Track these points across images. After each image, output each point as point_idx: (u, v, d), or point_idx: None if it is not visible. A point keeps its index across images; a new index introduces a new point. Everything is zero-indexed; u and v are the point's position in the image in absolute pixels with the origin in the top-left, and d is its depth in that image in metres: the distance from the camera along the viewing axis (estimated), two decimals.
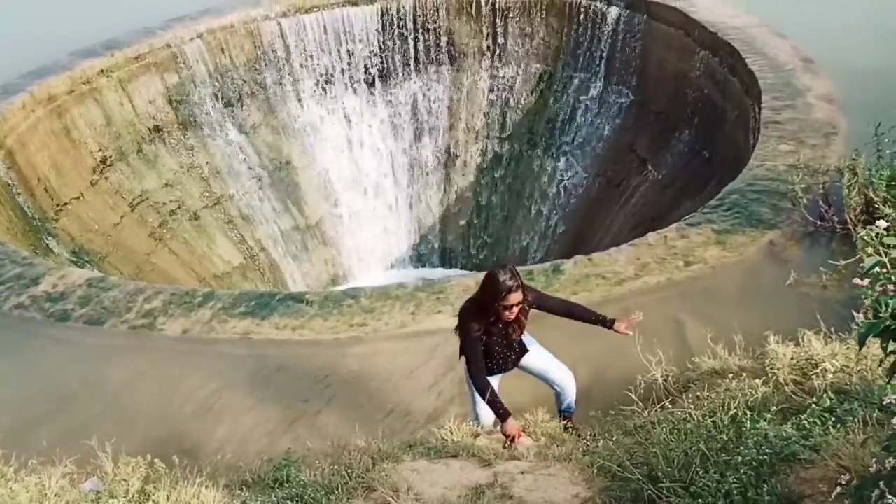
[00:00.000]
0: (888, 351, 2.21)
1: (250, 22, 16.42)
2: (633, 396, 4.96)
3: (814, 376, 4.44)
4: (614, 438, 4.34)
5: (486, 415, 4.89)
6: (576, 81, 17.16)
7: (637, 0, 15.77)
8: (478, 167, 18.07)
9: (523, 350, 4.98)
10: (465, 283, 7.78)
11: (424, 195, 18.31)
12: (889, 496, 1.87)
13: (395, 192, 18.32)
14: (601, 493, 3.74)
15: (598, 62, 16.71)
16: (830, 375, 4.26)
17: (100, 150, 14.06)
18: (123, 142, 14.53)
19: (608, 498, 3.67)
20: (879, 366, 2.15)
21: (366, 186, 18.07)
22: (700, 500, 3.20)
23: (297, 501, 3.88)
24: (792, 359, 4.70)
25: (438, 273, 16.48)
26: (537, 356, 5.09)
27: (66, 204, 12.94)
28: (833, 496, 2.35)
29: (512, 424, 4.51)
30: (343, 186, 17.78)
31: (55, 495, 4.29)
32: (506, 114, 17.87)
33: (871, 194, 7.39)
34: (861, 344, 2.21)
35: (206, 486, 4.10)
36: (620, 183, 15.67)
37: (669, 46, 15.05)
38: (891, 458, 1.97)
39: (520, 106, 17.77)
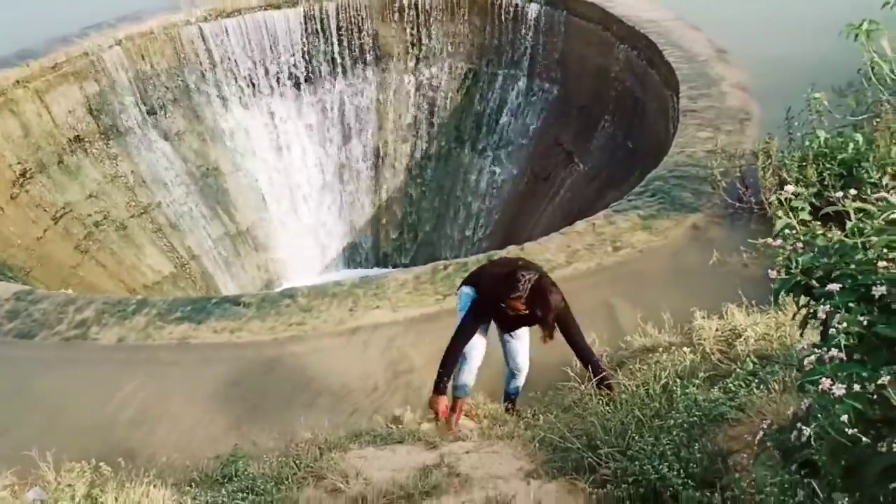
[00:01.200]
0: (800, 305, 2.40)
1: (170, 27, 16.15)
2: (571, 373, 5.12)
3: (737, 344, 4.70)
4: (554, 414, 4.50)
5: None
6: (500, 78, 17.43)
7: None
8: (407, 167, 18.18)
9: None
10: (401, 278, 7.89)
11: (355, 196, 18.33)
12: (804, 428, 2.05)
13: (325, 195, 18.27)
14: (544, 465, 3.89)
15: (521, 59, 17.02)
16: (753, 343, 4.52)
17: (19, 162, 13.66)
18: (43, 153, 14.14)
19: (550, 469, 3.82)
20: (793, 318, 2.33)
21: (295, 190, 17.98)
22: (636, 463, 3.37)
23: (247, 493, 3.93)
24: (717, 330, 4.96)
25: (374, 273, 16.56)
26: (522, 337, 5.25)
27: None
28: (756, 441, 2.53)
29: (438, 399, 4.74)
30: (272, 191, 17.66)
31: None
32: (433, 113, 18.04)
33: (784, 175, 7.76)
34: (776, 299, 2.40)
35: (154, 486, 4.10)
36: (548, 177, 15.98)
37: (589, 41, 15.43)
38: (805, 399, 2.15)
39: (447, 104, 17.96)
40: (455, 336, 4.82)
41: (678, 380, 4.13)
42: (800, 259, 2.33)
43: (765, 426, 2.39)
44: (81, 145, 14.92)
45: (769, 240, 2.42)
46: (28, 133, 13.91)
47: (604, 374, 4.67)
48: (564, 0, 15.97)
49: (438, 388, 4.73)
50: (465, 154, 17.71)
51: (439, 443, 4.41)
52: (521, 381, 5.43)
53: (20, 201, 13.50)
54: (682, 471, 3.23)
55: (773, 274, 2.38)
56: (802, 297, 2.37)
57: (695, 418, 3.53)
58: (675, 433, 3.50)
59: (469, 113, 17.75)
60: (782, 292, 2.35)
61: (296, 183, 17.89)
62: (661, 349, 5.18)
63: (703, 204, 8.56)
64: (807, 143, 7.89)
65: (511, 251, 8.23)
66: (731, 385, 3.83)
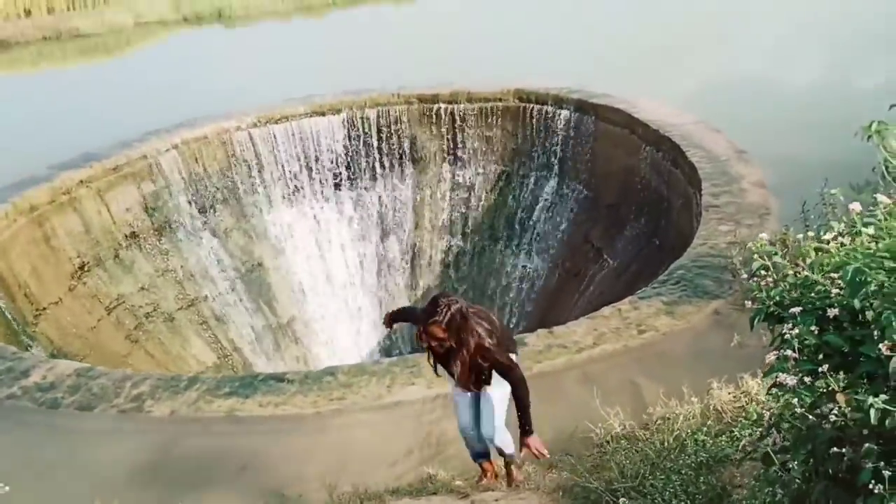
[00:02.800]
0: (774, 333, 2.86)
1: (223, 133, 17.30)
2: (594, 438, 5.49)
3: (749, 407, 5.06)
4: (575, 464, 4.86)
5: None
6: (532, 179, 18.22)
7: (585, 103, 17.04)
8: (442, 263, 18.85)
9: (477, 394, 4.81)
10: None
11: (392, 291, 18.96)
12: (774, 433, 2.47)
13: (363, 290, 18.93)
14: None
15: (551, 161, 17.84)
16: (763, 400, 4.88)
17: (78, 256, 14.54)
18: (101, 248, 15.04)
19: None
20: (771, 344, 2.79)
21: (335, 285, 18.66)
22: (649, 498, 3.74)
23: None
24: (730, 393, 5.32)
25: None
26: (484, 399, 4.82)
27: (45, 308, 13.29)
28: (743, 453, 2.92)
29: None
30: (313, 286, 18.36)
31: None
32: (468, 212, 18.82)
33: (801, 262, 8.17)
34: (752, 326, 2.86)
35: None
36: (578, 272, 16.48)
37: (616, 144, 16.20)
38: (772, 402, 2.59)
39: (481, 204, 18.75)
40: None
41: (689, 431, 4.50)
42: (771, 293, 2.81)
43: (746, 437, 2.80)
44: (136, 241, 15.81)
45: (744, 275, 2.90)
46: (88, 229, 14.85)
47: (528, 426, 4.43)
48: (594, 106, 16.87)
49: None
50: (499, 251, 18.35)
51: (471, 492, 4.78)
52: (498, 444, 4.96)
53: (77, 292, 14.29)
54: (689, 502, 3.60)
55: (748, 304, 2.84)
56: (776, 325, 2.83)
57: (702, 458, 3.91)
58: (683, 472, 3.87)
59: (502, 212, 18.48)
60: (756, 320, 2.81)
61: (335, 278, 18.59)
62: (680, 416, 5.54)
63: (725, 291, 8.97)
64: (821, 233, 8.34)
65: (541, 334, 8.67)
66: (736, 433, 4.20)
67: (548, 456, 4.44)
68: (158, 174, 16.18)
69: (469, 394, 4.84)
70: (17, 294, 12.76)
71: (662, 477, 3.86)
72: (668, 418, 5.63)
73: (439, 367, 4.67)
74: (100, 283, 14.79)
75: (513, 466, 5.26)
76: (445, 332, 4.19)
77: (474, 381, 4.56)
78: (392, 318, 5.15)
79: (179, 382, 8.33)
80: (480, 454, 5.16)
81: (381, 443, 6.94)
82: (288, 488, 6.35)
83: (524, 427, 4.44)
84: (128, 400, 8.04)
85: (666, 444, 4.47)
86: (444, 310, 4.15)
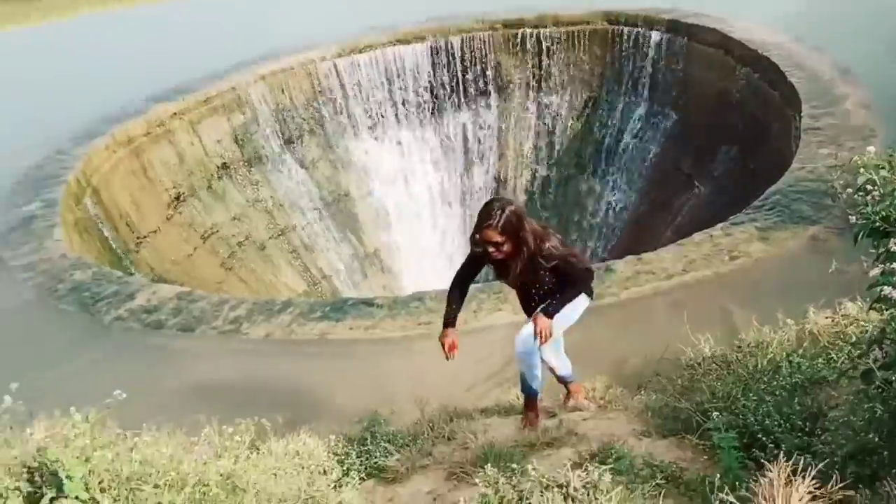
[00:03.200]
0: (879, 248, 2.75)
1: (308, 63, 17.44)
2: (683, 361, 5.43)
3: (846, 326, 4.90)
4: (665, 385, 4.84)
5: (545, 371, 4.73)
6: (620, 105, 17.76)
7: (678, 24, 16.38)
8: (527, 192, 18.71)
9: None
10: None
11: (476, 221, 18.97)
12: (876, 349, 2.40)
13: (447, 220, 19.02)
14: (655, 427, 4.25)
15: (641, 85, 17.31)
16: (863, 321, 4.72)
17: (174, 187, 15.06)
18: (195, 179, 15.53)
19: (662, 430, 4.18)
20: (875, 261, 2.69)
21: (420, 215, 18.80)
22: (741, 418, 3.70)
23: (389, 441, 4.47)
24: (827, 317, 5.17)
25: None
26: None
27: (145, 237, 13.87)
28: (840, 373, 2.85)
29: (448, 333, 4.51)
30: (398, 215, 18.55)
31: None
32: (553, 140, 18.54)
33: None
34: (856, 241, 2.75)
35: (309, 436, 4.71)
36: (668, 201, 16.12)
37: (710, 66, 15.58)
38: (880, 320, 2.50)
39: (566, 132, 18.43)
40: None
41: (784, 355, 4.41)
42: (878, 207, 2.69)
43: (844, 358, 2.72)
44: (227, 172, 16.25)
45: (849, 190, 2.78)
46: (182, 160, 15.32)
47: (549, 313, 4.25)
48: (686, 27, 16.21)
49: (444, 321, 4.63)
50: (585, 180, 18.08)
51: (559, 411, 4.83)
52: (557, 370, 4.95)
53: (174, 222, 14.84)
54: (783, 423, 3.54)
55: (853, 219, 2.74)
56: (882, 239, 2.72)
57: (797, 380, 3.83)
58: (777, 393, 3.80)
59: (588, 140, 18.14)
60: (861, 235, 2.70)
61: (420, 207, 18.72)
62: (774, 340, 5.42)
63: (823, 216, 8.64)
64: None
65: (629, 260, 8.56)
66: (833, 355, 4.09)
67: (547, 339, 4.26)
68: (247, 105, 16.47)
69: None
70: (119, 223, 13.34)
71: (755, 398, 3.80)
72: (762, 343, 5.52)
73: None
74: (194, 213, 15.31)
75: (570, 395, 5.16)
76: (502, 236, 4.01)
77: (544, 292, 4.33)
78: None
79: (274, 306, 8.61)
80: (532, 389, 4.72)
81: (467, 366, 7.03)
82: (380, 406, 6.54)
83: (549, 308, 4.26)
84: (226, 322, 8.38)
85: (759, 366, 4.39)
86: (498, 213, 3.98)
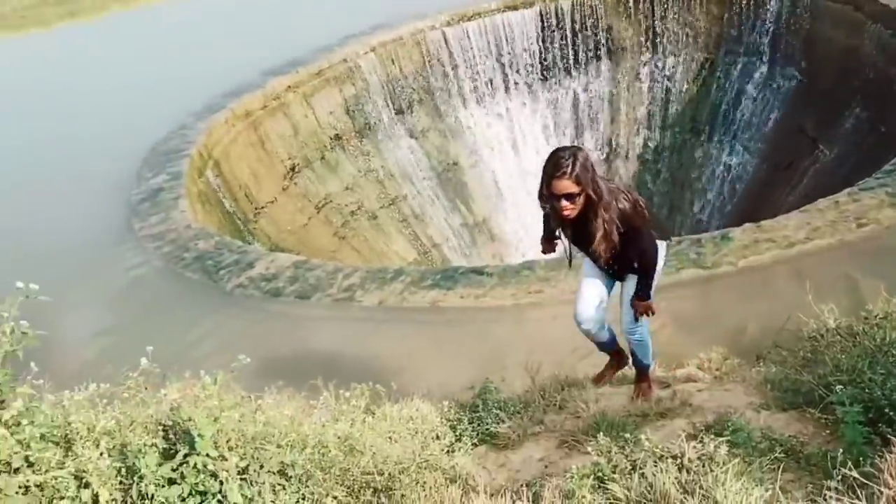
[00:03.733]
0: None
1: (417, 33, 17.53)
2: (805, 333, 5.23)
3: None
4: (785, 357, 4.68)
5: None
6: (739, 67, 17.04)
7: None
8: (640, 158, 18.29)
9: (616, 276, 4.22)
10: None
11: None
12: None
13: None
14: (774, 400, 4.13)
15: (762, 45, 16.54)
16: None
17: (289, 158, 15.53)
18: (309, 150, 15.95)
19: (781, 403, 4.05)
20: None
21: (529, 183, 18.67)
22: (867, 391, 3.54)
23: (501, 409, 4.52)
24: None
25: None
26: (624, 293, 4.25)
27: (262, 207, 14.39)
28: None
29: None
30: (508, 184, 18.51)
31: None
32: (667, 104, 18.01)
33: None
34: None
35: (423, 401, 4.82)
36: (790, 165, 15.42)
37: (837, 23, 14.72)
38: None
39: (681, 95, 17.86)
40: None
41: None
42: None
43: None
44: (340, 143, 16.60)
45: None
46: (297, 132, 15.76)
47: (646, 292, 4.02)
48: None
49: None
50: (700, 145, 17.51)
51: (672, 382, 4.75)
52: (632, 344, 4.46)
53: (290, 192, 15.32)
54: None
55: None
56: None
57: None
58: None
59: (705, 103, 17.52)
60: None
61: (530, 175, 18.59)
62: None
63: None
64: None
65: (747, 228, 8.28)
66: None
67: (653, 314, 4.09)
68: (358, 77, 16.73)
69: (602, 272, 4.18)
70: (238, 194, 13.88)
71: (883, 372, 3.62)
72: (891, 314, 5.26)
73: (572, 248, 4.05)
74: (309, 184, 15.74)
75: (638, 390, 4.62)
76: (577, 185, 3.50)
77: (613, 254, 3.85)
78: None
79: (386, 275, 8.80)
80: (607, 343, 4.51)
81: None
82: (491, 374, 6.61)
83: (641, 293, 4.04)
84: (340, 290, 8.62)
85: (888, 338, 4.17)
86: (570, 160, 3.48)
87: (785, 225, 8.13)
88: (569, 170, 3.47)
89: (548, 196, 3.62)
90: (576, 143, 18.61)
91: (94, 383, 3.51)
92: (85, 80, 20.80)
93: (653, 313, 4.11)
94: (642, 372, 4.60)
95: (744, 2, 16.58)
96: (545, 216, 4.05)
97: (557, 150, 3.59)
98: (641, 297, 4.05)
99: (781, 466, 3.14)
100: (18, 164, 15.03)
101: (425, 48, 17.64)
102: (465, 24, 17.79)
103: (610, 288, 4.27)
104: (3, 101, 20.02)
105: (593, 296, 4.24)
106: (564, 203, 3.57)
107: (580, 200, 3.57)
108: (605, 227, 3.68)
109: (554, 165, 3.52)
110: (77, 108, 18.06)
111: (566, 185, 3.50)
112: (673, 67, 17.96)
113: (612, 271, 4.15)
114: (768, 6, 16.11)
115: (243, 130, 14.74)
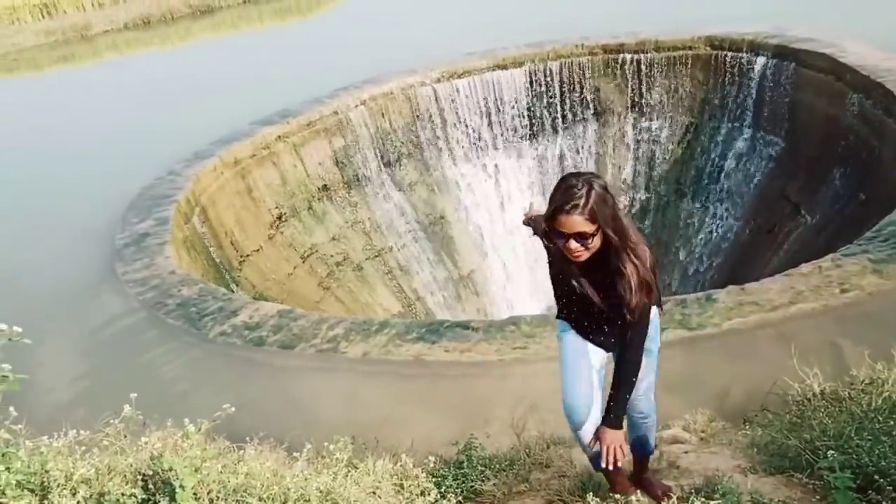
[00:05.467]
0: None
1: (408, 88, 17.76)
2: (791, 397, 5.23)
3: None
4: (772, 420, 4.66)
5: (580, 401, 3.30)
6: (723, 131, 17.34)
7: (785, 49, 15.90)
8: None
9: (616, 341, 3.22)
10: None
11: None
12: None
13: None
14: (761, 464, 4.10)
15: (745, 111, 16.86)
16: None
17: (276, 207, 15.55)
18: (296, 200, 15.99)
19: (768, 467, 4.03)
20: None
21: (515, 238, 18.77)
22: (854, 457, 3.53)
23: (486, 466, 4.46)
24: None
25: None
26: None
27: (248, 255, 14.35)
28: None
29: (610, 434, 3.16)
30: (494, 239, 18.59)
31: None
32: (652, 165, 18.24)
33: None
34: None
35: (407, 456, 4.74)
36: (772, 229, 15.60)
37: (819, 92, 15.04)
38: None
39: (666, 157, 18.11)
40: None
41: None
42: None
43: None
44: (328, 193, 16.67)
45: None
46: (285, 182, 15.82)
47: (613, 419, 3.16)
48: (794, 52, 15.72)
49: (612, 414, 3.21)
50: (685, 206, 17.70)
51: (658, 443, 4.71)
52: (644, 429, 3.65)
53: (276, 241, 15.30)
54: None
55: None
56: None
57: None
58: (895, 434, 3.61)
59: (689, 166, 17.77)
60: None
61: (516, 231, 18.70)
62: (890, 378, 5.16)
63: None
64: None
65: (731, 290, 8.32)
66: None
67: (623, 462, 3.20)
68: (348, 129, 16.89)
69: (600, 350, 3.35)
70: (224, 241, 13.85)
71: (870, 437, 3.62)
72: (876, 380, 5.27)
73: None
74: (295, 233, 15.75)
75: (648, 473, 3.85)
76: (592, 224, 2.78)
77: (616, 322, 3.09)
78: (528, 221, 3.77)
79: (371, 326, 8.74)
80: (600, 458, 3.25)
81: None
82: (475, 429, 6.54)
83: (611, 411, 3.17)
84: (324, 341, 8.56)
85: (874, 404, 4.18)
86: (584, 189, 2.76)
87: (769, 288, 8.18)
88: (582, 202, 2.75)
89: (554, 234, 2.89)
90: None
91: (73, 430, 3.44)
92: (75, 125, 20.87)
93: (622, 457, 3.17)
94: (647, 461, 3.82)
95: (728, 68, 16.95)
96: (550, 261, 3.29)
97: (569, 175, 2.87)
98: (612, 422, 3.16)
99: None
100: (4, 206, 14.98)
101: (415, 103, 17.86)
102: (454, 81, 18.06)
103: (600, 369, 3.40)
104: None
105: (585, 375, 3.34)
106: (574, 245, 2.84)
107: (594, 242, 2.85)
108: (640, 274, 2.91)
109: (563, 195, 2.79)
110: (67, 151, 18.11)
111: (577, 221, 2.77)
112: (658, 130, 18.25)
113: (608, 341, 3.30)
114: (752, 74, 16.47)
115: (231, 178, 14.78)
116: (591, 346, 3.35)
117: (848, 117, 14.18)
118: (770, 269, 14.90)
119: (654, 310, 3.25)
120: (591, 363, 3.34)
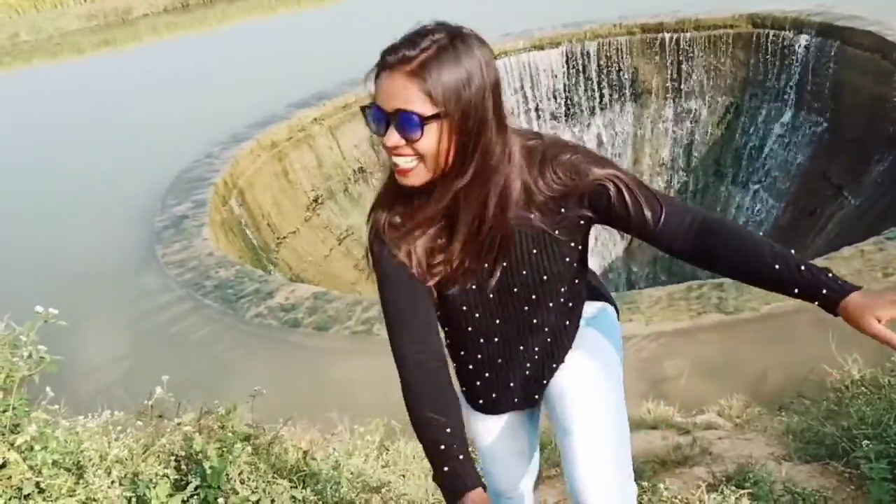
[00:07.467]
0: None
1: None
2: (829, 384, 5.14)
3: None
4: (809, 407, 4.60)
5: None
6: (764, 112, 17.01)
7: (829, 27, 15.53)
8: None
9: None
10: (655, 294, 8.13)
11: (608, 229, 18.66)
12: None
13: None
14: (796, 452, 4.04)
15: (787, 91, 16.52)
16: None
17: (313, 189, 15.64)
18: (332, 182, 16.07)
19: (803, 455, 3.97)
20: None
21: None
22: (892, 447, 3.45)
23: None
24: None
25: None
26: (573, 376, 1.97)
27: (284, 237, 14.47)
28: None
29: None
30: None
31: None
32: (691, 147, 17.98)
33: None
34: None
35: None
36: (814, 211, 15.31)
37: (864, 71, 14.66)
38: None
39: (706, 138, 17.83)
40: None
41: None
42: None
43: None
44: (363, 175, 16.72)
45: None
46: (321, 164, 15.89)
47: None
48: (839, 30, 15.33)
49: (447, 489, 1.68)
50: (724, 188, 17.43)
51: (692, 429, 4.67)
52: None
53: (312, 223, 15.40)
54: None
55: None
56: None
57: None
58: None
59: (729, 147, 17.48)
60: None
61: None
62: None
63: None
64: None
65: None
66: None
67: None
68: None
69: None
70: (261, 224, 13.97)
71: None
72: None
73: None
74: (331, 215, 15.83)
75: None
76: (430, 102, 1.58)
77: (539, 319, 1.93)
78: None
79: None
80: None
81: None
82: None
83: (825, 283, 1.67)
84: (358, 323, 8.60)
85: None
86: (442, 37, 1.61)
87: None
88: (416, 53, 1.58)
89: (371, 118, 1.73)
90: None
91: (108, 410, 3.51)
92: (115, 110, 21.18)
93: None
94: None
95: (770, 48, 16.61)
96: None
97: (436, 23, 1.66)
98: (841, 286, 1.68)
99: None
100: (49, 190, 15.29)
101: None
102: None
103: (532, 428, 2.31)
104: (34, 129, 20.41)
105: (510, 452, 2.28)
106: (394, 139, 1.64)
107: (429, 142, 1.62)
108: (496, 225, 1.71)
109: (392, 45, 1.64)
110: (108, 137, 18.40)
111: (401, 89, 1.61)
112: (698, 110, 17.97)
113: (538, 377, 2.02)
114: (794, 53, 16.12)
115: (268, 160, 14.89)
116: (510, 421, 2.19)
117: (894, 97, 13.82)
118: (811, 253, 14.62)
119: (611, 309, 2.27)
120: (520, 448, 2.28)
